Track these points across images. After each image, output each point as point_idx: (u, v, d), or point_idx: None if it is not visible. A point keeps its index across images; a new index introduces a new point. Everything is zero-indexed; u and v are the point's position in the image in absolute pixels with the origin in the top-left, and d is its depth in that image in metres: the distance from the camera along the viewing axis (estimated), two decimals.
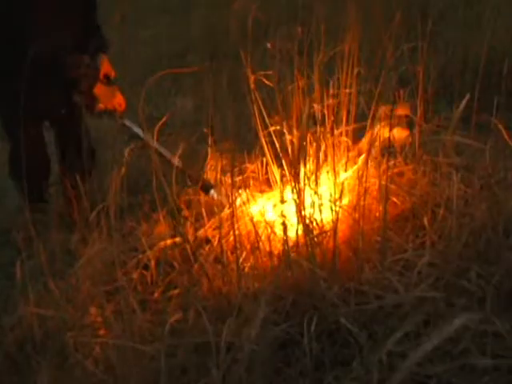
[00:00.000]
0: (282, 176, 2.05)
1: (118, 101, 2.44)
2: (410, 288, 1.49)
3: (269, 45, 2.05)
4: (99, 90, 2.36)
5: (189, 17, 5.78)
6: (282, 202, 1.86)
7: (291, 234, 1.70)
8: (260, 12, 2.02)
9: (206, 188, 2.26)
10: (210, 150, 2.21)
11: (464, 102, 1.68)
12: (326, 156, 1.97)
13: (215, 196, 2.22)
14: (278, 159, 2.08)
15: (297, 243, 1.68)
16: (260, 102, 2.05)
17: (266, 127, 2.09)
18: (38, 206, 2.35)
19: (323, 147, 1.97)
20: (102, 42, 2.54)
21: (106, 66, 2.48)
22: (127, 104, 2.49)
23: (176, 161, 2.22)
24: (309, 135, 1.91)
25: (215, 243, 1.90)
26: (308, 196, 1.79)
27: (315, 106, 1.96)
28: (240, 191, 2.08)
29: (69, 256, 1.95)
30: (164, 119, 1.95)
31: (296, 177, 1.68)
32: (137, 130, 2.39)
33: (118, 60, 2.54)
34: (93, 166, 2.54)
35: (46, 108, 2.39)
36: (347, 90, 1.99)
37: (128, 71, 2.65)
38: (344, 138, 2.00)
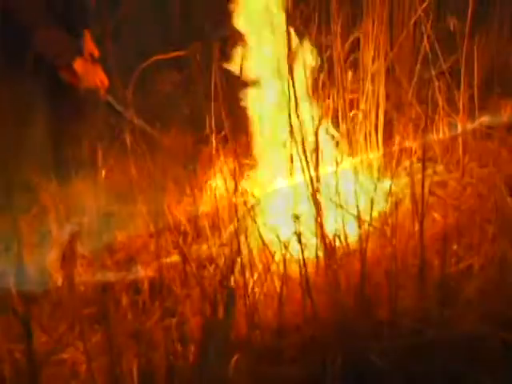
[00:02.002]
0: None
1: (100, 78, 2.70)
2: (453, 321, 1.48)
3: None
4: (79, 66, 2.61)
5: None
6: (299, 215, 1.83)
7: (310, 253, 1.68)
8: None
9: None
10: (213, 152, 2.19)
11: None
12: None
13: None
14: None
15: (317, 265, 1.65)
16: None
17: None
18: None
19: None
20: (87, 21, 2.81)
21: (89, 44, 2.74)
22: (118, 94, 2.69)
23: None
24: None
25: (220, 263, 1.88)
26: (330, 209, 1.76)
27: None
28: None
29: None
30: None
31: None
32: (120, 108, 2.67)
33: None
34: None
35: None
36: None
37: (119, 57, 2.79)
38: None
